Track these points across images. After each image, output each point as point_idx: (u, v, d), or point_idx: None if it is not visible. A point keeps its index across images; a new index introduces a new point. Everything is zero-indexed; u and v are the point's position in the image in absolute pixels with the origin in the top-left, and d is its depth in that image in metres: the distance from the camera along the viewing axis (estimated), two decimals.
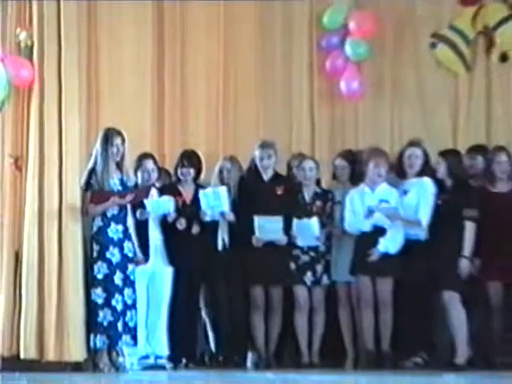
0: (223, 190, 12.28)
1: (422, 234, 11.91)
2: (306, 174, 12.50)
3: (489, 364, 11.54)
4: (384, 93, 14.29)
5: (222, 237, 12.42)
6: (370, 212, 11.99)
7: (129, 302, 11.63)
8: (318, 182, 12.67)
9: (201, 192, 12.34)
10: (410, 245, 11.93)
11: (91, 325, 11.56)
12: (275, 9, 14.47)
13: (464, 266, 11.59)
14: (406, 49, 14.23)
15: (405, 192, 12.12)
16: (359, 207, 12.12)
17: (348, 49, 14.00)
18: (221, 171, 12.74)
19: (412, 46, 14.17)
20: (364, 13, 14.03)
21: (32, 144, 11.65)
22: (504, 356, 11.67)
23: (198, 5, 14.47)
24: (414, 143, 12.37)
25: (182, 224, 12.24)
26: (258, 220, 12.18)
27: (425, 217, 11.86)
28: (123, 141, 11.74)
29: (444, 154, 12.26)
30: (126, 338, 11.63)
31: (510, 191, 12.04)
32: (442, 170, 11.97)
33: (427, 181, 12.00)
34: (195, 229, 12.40)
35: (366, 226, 12.03)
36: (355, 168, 12.69)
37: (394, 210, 11.96)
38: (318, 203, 12.37)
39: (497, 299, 11.78)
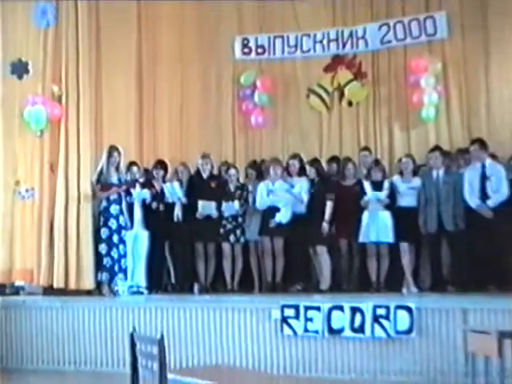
0: (177, 184, 12.57)
1: (303, 209, 12.12)
2: (229, 174, 12.65)
3: (341, 289, 11.76)
4: (278, 125, 14.51)
5: (177, 213, 12.48)
6: (270, 194, 12.18)
7: (122, 253, 11.92)
8: (237, 180, 12.73)
9: (165, 185, 12.66)
10: (295, 216, 12.06)
11: (98, 267, 11.78)
12: (213, 72, 14.74)
13: (324, 228, 11.85)
14: (291, 98, 14.48)
15: (292, 186, 12.20)
16: (264, 194, 12.21)
17: (256, 98, 14.39)
18: (177, 172, 13.01)
19: (295, 96, 14.45)
20: (265, 77, 14.39)
21: (61, 155, 11.86)
22: (349, 283, 12.00)
23: (165, 68, 14.63)
24: (294, 156, 12.63)
25: (154, 205, 12.46)
26: (200, 202, 12.30)
27: (305, 199, 12.06)
28: (119, 153, 12.05)
29: (312, 162, 12.64)
30: (120, 275, 11.91)
31: (353, 184, 12.12)
32: (312, 172, 12.35)
33: (304, 179, 12.22)
34: (161, 208, 12.54)
35: (268, 204, 12.15)
36: (260, 170, 13.05)
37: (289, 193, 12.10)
38: (238, 192, 12.48)
39: (344, 250, 12.16)
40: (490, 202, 11.27)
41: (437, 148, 12.27)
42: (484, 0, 13.49)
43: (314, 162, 12.75)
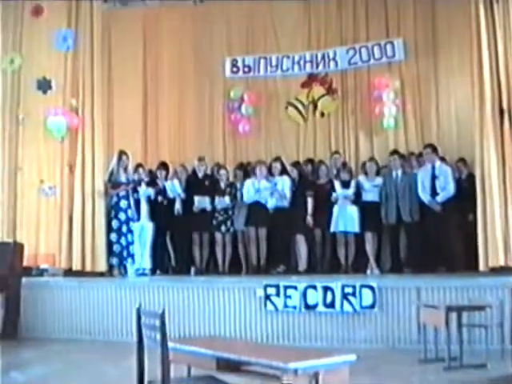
0: (177, 182, 12.57)
1: (286, 203, 12.11)
2: (220, 174, 12.61)
3: (315, 271, 11.77)
4: (262, 133, 14.42)
5: (177, 207, 12.45)
6: (257, 191, 12.17)
7: (130, 240, 12.01)
8: (228, 179, 12.62)
9: (166, 183, 12.63)
10: (278, 209, 12.09)
11: (109, 252, 11.86)
12: (206, 88, 14.61)
13: (309, 220, 11.88)
14: (273, 110, 14.40)
15: (275, 184, 12.16)
16: (251, 190, 12.18)
17: (243, 110, 14.26)
18: (176, 172, 12.97)
19: (276, 108, 14.36)
20: (251, 92, 14.35)
21: (79, 158, 11.90)
22: (322, 266, 12.08)
23: (166, 84, 14.68)
24: (276, 159, 12.65)
25: (158, 201, 12.47)
26: (196, 198, 12.30)
27: (287, 195, 12.04)
28: (127, 157, 12.18)
29: (294, 164, 12.79)
30: (128, 259, 12.00)
31: (325, 183, 12.13)
32: (294, 172, 12.42)
33: (286, 178, 12.19)
34: (164, 202, 12.51)
35: (255, 199, 12.15)
36: (247, 171, 13.00)
37: (272, 190, 12.08)
38: (228, 189, 12.40)
39: (318, 238, 12.16)
40: (439, 198, 11.36)
41: (396, 152, 12.37)
42: (434, 29, 13.55)
43: (296, 164, 12.85)
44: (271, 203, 12.23)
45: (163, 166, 13.07)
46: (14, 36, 12.37)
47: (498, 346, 8.32)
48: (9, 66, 12.31)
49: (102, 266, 11.83)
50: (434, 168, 11.48)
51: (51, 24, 12.30)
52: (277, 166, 12.49)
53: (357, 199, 12.02)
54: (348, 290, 9.68)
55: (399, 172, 11.84)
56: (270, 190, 12.22)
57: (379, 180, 12.03)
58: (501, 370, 7.65)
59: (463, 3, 11.18)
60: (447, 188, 11.36)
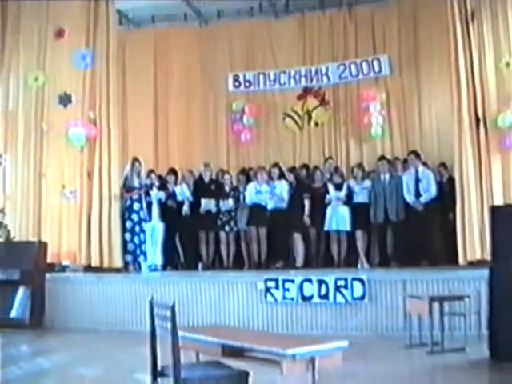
0: (185, 186, 12.54)
1: (284, 205, 12.04)
2: (224, 179, 12.60)
3: (311, 266, 11.70)
4: (261, 141, 14.50)
5: (185, 209, 12.43)
6: (258, 194, 12.13)
7: (142, 239, 11.91)
8: (231, 183, 12.61)
9: (176, 187, 12.60)
10: (277, 211, 12.04)
11: (124, 250, 11.79)
12: (211, 101, 14.67)
13: (306, 220, 11.86)
14: (271, 120, 14.47)
15: (273, 187, 12.10)
16: (253, 193, 12.15)
17: (244, 120, 14.35)
18: (184, 177, 12.91)
19: (274, 119, 14.44)
20: (252, 104, 14.42)
21: (96, 165, 11.91)
22: (317, 262, 12.03)
23: (175, 97, 14.78)
24: (275, 165, 12.62)
25: (168, 203, 12.44)
26: (203, 200, 12.29)
27: (285, 197, 11.98)
28: (140, 163, 12.11)
29: (291, 169, 12.72)
30: (141, 256, 11.94)
31: (320, 186, 12.05)
32: (291, 177, 12.35)
33: (283, 182, 12.15)
34: (173, 205, 12.48)
35: (255, 201, 12.11)
36: (248, 176, 12.93)
37: (271, 193, 12.08)
38: (232, 192, 12.38)
39: (314, 236, 12.07)
40: (422, 199, 11.36)
41: (383, 158, 12.34)
42: (416, 46, 13.60)
43: (293, 170, 12.82)
44: (270, 205, 12.20)
45: (172, 171, 13.05)
46: (37, 56, 12.42)
47: (475, 332, 8.38)
48: (33, 83, 12.35)
49: (118, 263, 11.77)
50: (417, 172, 11.49)
51: (71, 45, 12.34)
52: (275, 171, 12.46)
53: (348, 201, 11.99)
54: (340, 282, 9.66)
55: (387, 176, 11.83)
56: (269, 194, 12.20)
57: (367, 183, 12.00)
58: (478, 353, 7.68)
59: (442, 22, 11.20)
60: (430, 190, 11.37)
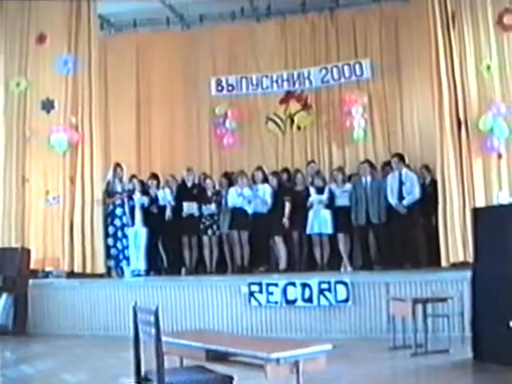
0: (168, 191, 12.51)
1: (266, 208, 12.07)
2: (207, 183, 12.57)
3: (294, 270, 11.72)
4: (244, 145, 14.35)
5: (168, 213, 12.39)
6: (240, 195, 12.13)
7: (125, 245, 11.93)
8: (213, 187, 12.59)
9: (158, 192, 12.57)
10: (259, 215, 12.07)
11: (107, 255, 11.80)
12: (194, 105, 14.57)
13: (285, 223, 11.85)
14: (254, 124, 14.38)
15: (257, 190, 12.14)
16: (235, 196, 12.14)
17: (227, 124, 14.29)
18: (167, 182, 12.94)
19: (257, 123, 14.34)
20: (234, 108, 14.38)
21: (79, 171, 11.87)
22: (300, 265, 11.95)
23: (157, 102, 14.73)
24: (258, 168, 12.60)
25: (151, 208, 12.41)
26: (185, 204, 12.27)
27: (269, 201, 12.01)
28: (122, 169, 12.16)
29: (274, 173, 12.64)
30: (124, 261, 11.93)
31: (302, 190, 12.06)
32: (273, 181, 12.33)
33: (267, 186, 12.17)
34: (155, 209, 12.46)
35: (238, 203, 12.11)
36: (231, 180, 12.85)
37: (254, 197, 12.09)
38: (215, 197, 12.36)
39: (296, 239, 12.04)
40: (405, 202, 11.39)
41: (365, 161, 12.40)
42: (398, 50, 13.64)
43: (276, 174, 12.80)
44: (250, 209, 12.23)
45: (154, 176, 13.04)
46: (19, 61, 12.37)
47: (459, 334, 8.42)
48: (16, 88, 12.31)
49: (100, 268, 11.73)
50: (400, 175, 11.52)
51: (53, 50, 12.30)
52: (259, 175, 12.49)
53: (330, 204, 11.97)
54: (324, 286, 9.70)
55: (368, 178, 11.85)
56: (249, 198, 12.22)
57: (348, 186, 12.03)
58: (461, 354, 7.73)
59: (423, 26, 11.27)
60: (413, 192, 11.40)
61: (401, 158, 11.87)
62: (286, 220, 11.97)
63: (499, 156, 10.55)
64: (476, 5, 10.78)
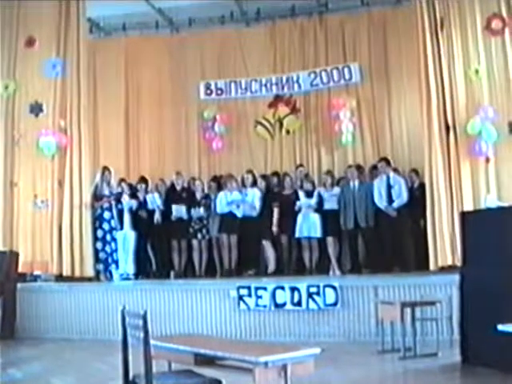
0: (156, 195, 12.59)
1: (255, 213, 12.16)
2: (196, 187, 12.68)
3: (283, 273, 11.73)
4: (233, 149, 14.36)
5: (157, 217, 12.46)
6: (229, 203, 12.23)
7: (114, 248, 11.92)
8: (203, 190, 12.68)
9: (147, 195, 12.63)
10: (247, 218, 12.14)
11: (96, 259, 11.76)
12: (183, 109, 14.56)
13: (274, 227, 11.87)
14: (243, 128, 14.37)
15: (246, 194, 12.22)
16: (224, 201, 12.23)
17: (216, 128, 14.23)
18: (156, 185, 13.00)
19: (246, 127, 14.35)
20: (223, 112, 14.30)
21: (67, 174, 11.79)
22: (288, 269, 12.00)
23: (146, 105, 14.72)
24: (249, 171, 12.69)
25: (140, 212, 12.47)
26: (174, 207, 12.33)
27: (258, 205, 12.08)
28: (109, 172, 12.15)
29: (263, 177, 12.75)
30: (113, 265, 11.91)
31: (290, 193, 12.07)
32: (262, 185, 12.43)
33: (256, 190, 12.26)
34: (144, 214, 12.51)
35: (227, 210, 12.22)
36: (219, 183, 12.95)
37: (242, 202, 12.17)
38: (203, 200, 12.44)
39: (285, 243, 12.08)
40: (395, 204, 11.42)
41: (352, 165, 12.45)
42: (386, 54, 13.66)
43: (265, 178, 12.84)
44: (239, 213, 12.25)
45: (143, 180, 13.07)
46: (8, 64, 12.28)
47: (447, 337, 8.41)
48: (4, 91, 12.24)
49: (89, 272, 11.69)
50: (388, 178, 11.56)
51: (42, 53, 12.24)
52: (249, 178, 12.55)
53: (318, 207, 12.00)
54: (313, 289, 9.67)
55: (356, 182, 11.89)
56: (237, 203, 12.25)
57: (337, 190, 12.08)
58: (450, 357, 7.72)
59: (412, 30, 11.30)
60: (401, 196, 11.47)
61: (387, 162, 11.93)
62: (275, 227, 12.01)
63: (487, 160, 10.60)
64: (464, 9, 10.84)
